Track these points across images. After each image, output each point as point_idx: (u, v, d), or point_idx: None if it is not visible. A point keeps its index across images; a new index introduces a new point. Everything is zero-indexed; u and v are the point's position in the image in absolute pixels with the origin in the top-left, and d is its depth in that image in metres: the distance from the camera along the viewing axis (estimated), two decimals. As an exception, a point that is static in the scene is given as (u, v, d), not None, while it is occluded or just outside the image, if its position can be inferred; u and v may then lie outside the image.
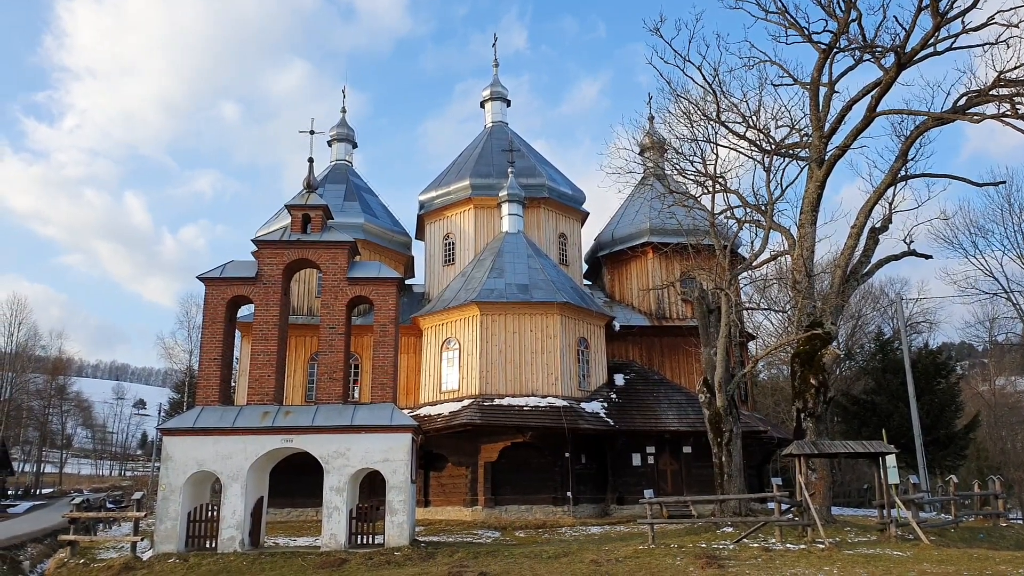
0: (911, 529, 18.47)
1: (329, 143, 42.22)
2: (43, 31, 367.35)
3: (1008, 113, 21.03)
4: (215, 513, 19.23)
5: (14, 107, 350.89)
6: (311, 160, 23.70)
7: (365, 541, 19.34)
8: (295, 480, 25.86)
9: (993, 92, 21.49)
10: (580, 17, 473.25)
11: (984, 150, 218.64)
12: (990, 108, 21.92)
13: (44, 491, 74.42)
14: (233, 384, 35.74)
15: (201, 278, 21.33)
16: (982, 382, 58.05)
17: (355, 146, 42.99)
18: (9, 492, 64.83)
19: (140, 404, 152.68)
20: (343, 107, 43.29)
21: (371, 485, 23.20)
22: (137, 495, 20.93)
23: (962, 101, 22.23)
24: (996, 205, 56.29)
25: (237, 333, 30.60)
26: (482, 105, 44.14)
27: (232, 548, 18.48)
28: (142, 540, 19.33)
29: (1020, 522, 31.94)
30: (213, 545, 18.80)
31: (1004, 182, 28.89)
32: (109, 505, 42.52)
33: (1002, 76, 21.19)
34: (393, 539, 18.91)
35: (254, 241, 22.29)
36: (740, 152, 25.90)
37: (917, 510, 21.68)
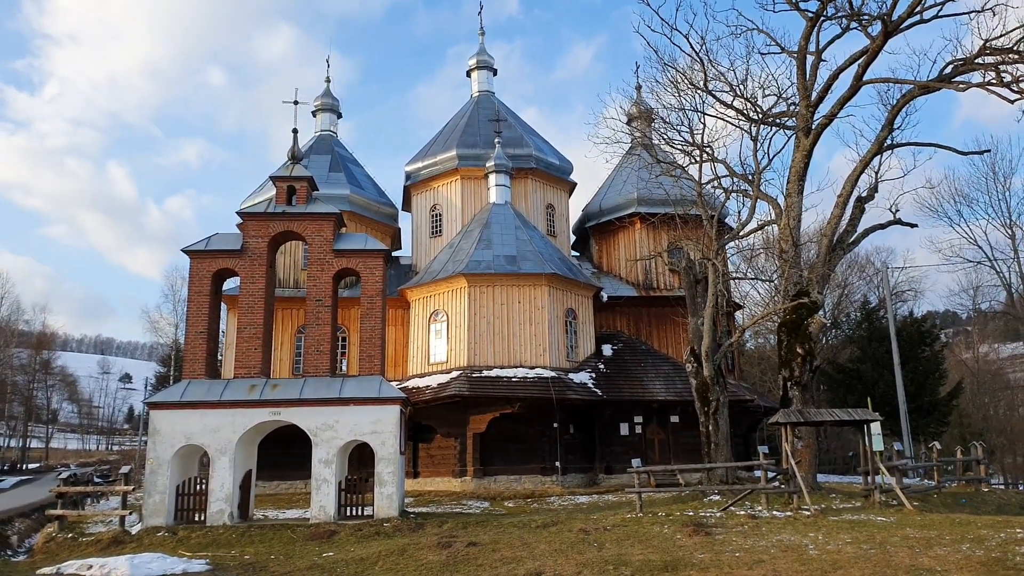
0: (895, 495, 18.73)
1: (314, 113, 41.71)
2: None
3: (993, 81, 20.98)
4: (203, 486, 19.23)
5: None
6: (295, 131, 23.40)
7: (354, 513, 19.42)
8: (283, 453, 25.85)
9: (979, 60, 21.45)
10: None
11: (976, 117, 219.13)
12: (975, 76, 21.90)
13: (30, 466, 74.20)
14: (220, 357, 35.59)
15: (186, 251, 21.12)
16: (966, 350, 58.65)
17: (340, 116, 42.50)
18: (-5, 467, 64.67)
19: (126, 378, 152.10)
20: (327, 77, 42.75)
21: (360, 457, 23.27)
22: (125, 469, 20.84)
23: (948, 70, 22.19)
24: (981, 174, 56.43)
25: (223, 306, 30.45)
26: (468, 74, 43.67)
27: (221, 521, 18.50)
28: (130, 514, 19.33)
29: (1001, 487, 32.50)
30: (202, 518, 18.82)
31: (989, 151, 29.19)
32: (96, 479, 42.47)
33: (987, 44, 21.12)
34: (382, 510, 18.99)
35: (239, 213, 22.04)
36: (727, 121, 25.80)
37: (901, 476, 21.97)
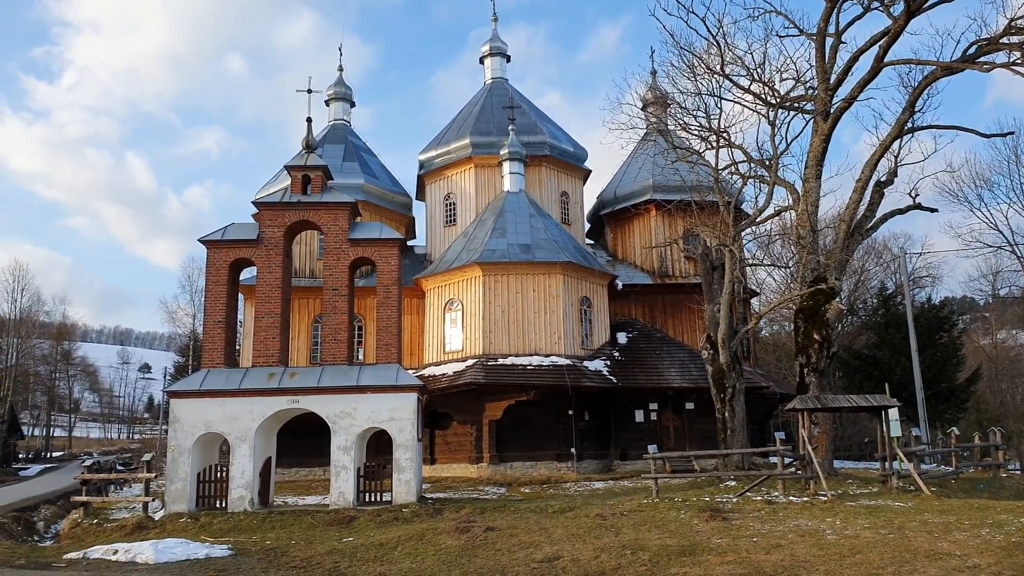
0: (912, 481, 18.66)
1: (327, 103, 41.75)
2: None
3: (1018, 61, 20.61)
4: (224, 473, 19.45)
5: (12, 65, 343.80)
6: (309, 120, 23.44)
7: (373, 499, 19.60)
8: (302, 440, 26.11)
9: (1003, 40, 21.07)
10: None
11: (1008, 97, 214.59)
12: (1000, 56, 21.51)
13: (54, 454, 75.37)
14: (238, 347, 35.83)
15: (202, 241, 21.27)
16: (983, 336, 58.10)
17: (353, 105, 42.51)
18: (20, 456, 65.66)
19: (145, 368, 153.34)
20: (340, 66, 42.73)
21: (378, 444, 23.44)
22: (147, 457, 21.12)
23: (972, 50, 21.82)
24: (1003, 157, 55.74)
25: (240, 296, 30.64)
26: (481, 61, 43.54)
27: (242, 507, 18.71)
28: (153, 500, 19.58)
29: (1019, 473, 32.25)
30: (223, 505, 19.05)
31: (1012, 133, 28.37)
32: (119, 467, 42.99)
33: (1012, 23, 20.74)
34: (401, 496, 19.14)
35: (254, 203, 22.18)
36: (744, 106, 25.52)
37: (918, 462, 21.86)
